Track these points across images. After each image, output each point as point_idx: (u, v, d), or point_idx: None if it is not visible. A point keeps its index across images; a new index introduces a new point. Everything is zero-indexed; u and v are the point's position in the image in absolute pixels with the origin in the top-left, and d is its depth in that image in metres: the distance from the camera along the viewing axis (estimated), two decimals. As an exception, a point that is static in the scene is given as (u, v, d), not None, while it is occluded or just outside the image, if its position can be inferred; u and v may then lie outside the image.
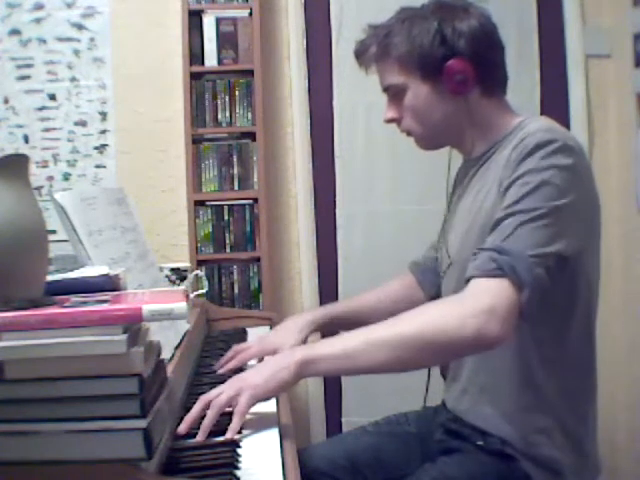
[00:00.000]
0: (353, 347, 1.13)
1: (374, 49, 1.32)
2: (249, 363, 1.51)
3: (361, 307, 1.58)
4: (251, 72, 2.31)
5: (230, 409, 1.10)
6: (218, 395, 1.12)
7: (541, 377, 1.22)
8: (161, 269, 1.86)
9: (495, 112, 1.31)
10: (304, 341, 1.49)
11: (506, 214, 1.15)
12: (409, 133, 1.36)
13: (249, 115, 2.33)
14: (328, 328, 1.58)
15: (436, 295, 1.47)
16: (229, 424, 1.08)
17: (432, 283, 1.51)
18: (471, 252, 1.25)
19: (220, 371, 1.45)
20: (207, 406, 1.11)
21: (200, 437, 1.07)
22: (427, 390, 1.44)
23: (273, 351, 1.46)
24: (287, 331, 1.50)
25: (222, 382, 1.40)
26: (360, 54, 1.35)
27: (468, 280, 1.14)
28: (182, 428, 1.08)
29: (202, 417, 1.10)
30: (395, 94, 1.33)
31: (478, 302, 1.08)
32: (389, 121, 1.36)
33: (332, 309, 1.59)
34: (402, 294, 1.58)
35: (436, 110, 1.30)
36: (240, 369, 1.47)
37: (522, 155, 1.16)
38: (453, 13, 1.28)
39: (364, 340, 1.13)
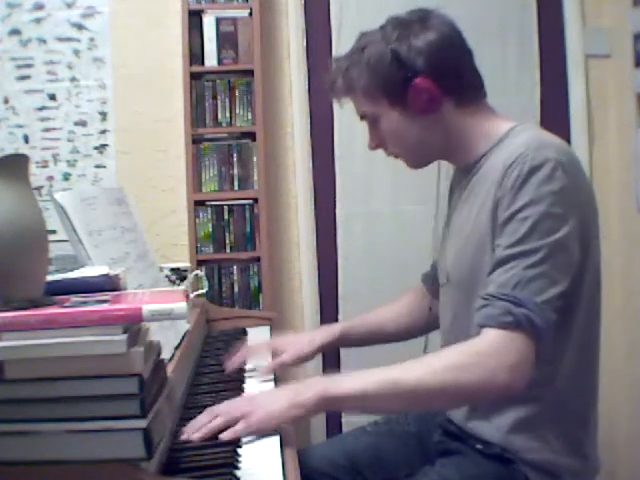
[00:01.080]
0: (376, 391, 1.12)
1: (340, 82, 1.31)
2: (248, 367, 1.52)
3: (375, 325, 1.59)
4: (251, 72, 2.31)
5: None
6: (230, 410, 1.11)
7: (539, 391, 1.21)
8: (161, 269, 1.86)
9: (475, 120, 1.28)
10: (315, 354, 1.52)
11: (510, 255, 1.13)
12: (396, 156, 1.36)
13: (249, 115, 2.33)
14: (342, 344, 1.59)
15: None
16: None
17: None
18: (468, 270, 1.25)
19: (228, 370, 1.48)
20: (214, 417, 1.11)
21: (198, 436, 1.07)
22: None
23: (281, 351, 1.50)
24: (300, 338, 1.55)
25: (222, 382, 1.41)
26: (330, 89, 1.35)
27: (481, 326, 1.13)
28: (184, 436, 1.08)
29: None
30: (372, 121, 1.33)
31: (503, 359, 1.09)
32: (374, 149, 1.36)
33: (347, 328, 1.58)
34: (416, 305, 1.58)
35: (412, 132, 1.28)
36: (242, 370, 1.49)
37: (518, 183, 1.14)
38: (409, 30, 1.24)
39: (387, 385, 1.12)
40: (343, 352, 2.37)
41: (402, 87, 1.23)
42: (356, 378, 1.15)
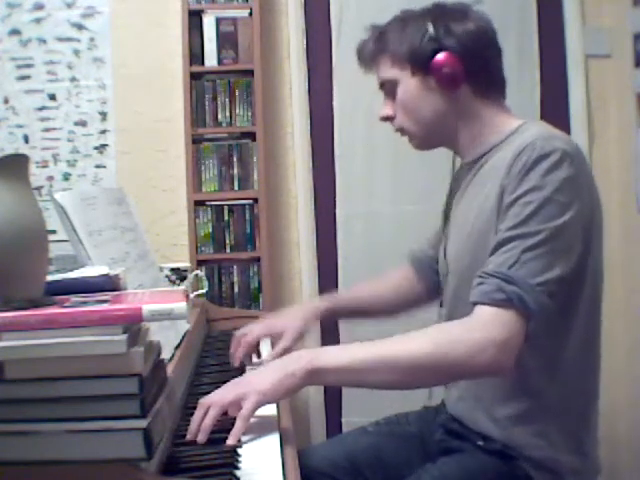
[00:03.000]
0: (363, 363, 1.13)
1: (371, 46, 1.35)
2: (254, 361, 1.52)
3: (365, 298, 1.62)
4: (251, 72, 2.31)
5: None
6: (221, 399, 1.11)
7: (541, 383, 1.22)
8: (161, 269, 1.86)
9: (490, 113, 1.31)
10: (307, 330, 1.52)
11: (510, 237, 1.14)
12: (402, 131, 1.36)
13: (249, 115, 2.33)
14: (332, 317, 1.61)
15: (435, 291, 1.49)
16: (232, 423, 1.08)
17: (429, 278, 1.54)
18: (470, 259, 1.25)
19: (236, 364, 1.48)
20: (208, 410, 1.10)
21: (201, 438, 1.06)
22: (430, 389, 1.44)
23: (276, 333, 1.50)
24: (292, 316, 1.54)
25: (222, 382, 1.41)
26: (360, 52, 1.39)
27: (474, 303, 1.14)
28: (190, 437, 1.08)
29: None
30: (389, 90, 1.35)
31: (490, 334, 1.10)
32: (383, 118, 1.37)
33: (336, 300, 1.62)
34: (403, 285, 1.61)
35: (426, 105, 1.31)
36: (242, 369, 1.48)
37: (525, 169, 1.16)
38: (449, 15, 1.30)
39: (375, 357, 1.13)
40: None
41: (428, 58, 1.27)
42: (343, 351, 1.16)
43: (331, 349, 1.20)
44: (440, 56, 1.26)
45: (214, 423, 1.08)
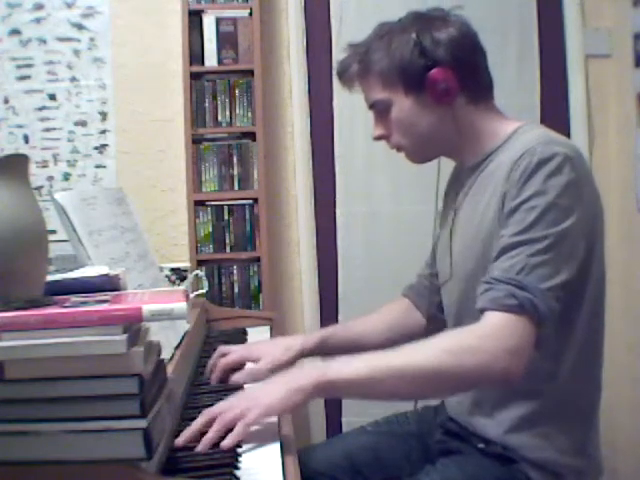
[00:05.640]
0: (374, 375, 1.11)
1: (355, 67, 1.32)
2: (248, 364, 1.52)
3: (356, 334, 1.54)
4: (251, 72, 2.31)
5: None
6: (226, 411, 1.08)
7: (542, 386, 1.22)
8: (161, 269, 1.86)
9: (484, 119, 1.30)
10: (292, 362, 1.45)
11: (515, 242, 1.14)
12: (399, 148, 1.35)
13: (249, 115, 2.33)
14: (320, 353, 1.52)
15: (434, 313, 1.46)
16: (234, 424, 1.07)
17: (429, 302, 1.48)
18: (473, 265, 1.25)
19: (213, 382, 1.42)
20: (211, 420, 1.07)
21: (201, 448, 1.04)
22: None
23: (255, 359, 1.44)
24: (275, 345, 1.48)
25: (222, 382, 1.40)
26: (342, 73, 1.35)
27: (483, 310, 1.13)
28: (180, 441, 1.05)
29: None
30: (381, 110, 1.32)
31: (503, 341, 1.09)
32: (378, 138, 1.35)
33: (327, 335, 1.52)
34: (398, 319, 1.56)
35: (422, 122, 1.29)
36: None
37: (526, 175, 1.15)
38: (430, 23, 1.27)
39: (386, 369, 1.11)
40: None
41: (421, 74, 1.24)
42: (353, 363, 1.13)
43: (338, 362, 1.17)
44: (434, 72, 1.23)
45: (218, 437, 1.05)
